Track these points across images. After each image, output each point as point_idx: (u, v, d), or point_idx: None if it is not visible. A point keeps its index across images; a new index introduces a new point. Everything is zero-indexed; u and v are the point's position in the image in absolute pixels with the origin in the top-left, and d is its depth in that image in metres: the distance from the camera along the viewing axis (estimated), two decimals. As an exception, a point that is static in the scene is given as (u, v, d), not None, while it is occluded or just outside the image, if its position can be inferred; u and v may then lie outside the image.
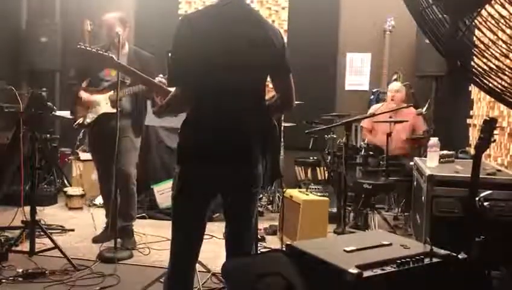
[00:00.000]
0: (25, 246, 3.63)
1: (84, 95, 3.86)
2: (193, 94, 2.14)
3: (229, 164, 2.15)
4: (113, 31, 3.76)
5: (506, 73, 1.65)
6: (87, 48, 2.99)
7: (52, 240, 3.59)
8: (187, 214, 2.23)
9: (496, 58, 1.67)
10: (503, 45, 1.67)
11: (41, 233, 3.72)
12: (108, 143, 3.52)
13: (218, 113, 2.14)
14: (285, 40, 7.41)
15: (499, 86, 1.65)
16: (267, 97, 2.33)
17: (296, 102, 2.34)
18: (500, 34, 1.69)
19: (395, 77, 5.74)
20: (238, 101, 2.14)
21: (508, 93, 1.64)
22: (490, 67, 1.68)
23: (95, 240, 4.07)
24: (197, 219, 2.25)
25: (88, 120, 3.83)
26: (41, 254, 3.59)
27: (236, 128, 2.16)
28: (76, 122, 3.88)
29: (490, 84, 1.66)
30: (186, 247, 2.27)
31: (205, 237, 2.32)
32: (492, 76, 1.65)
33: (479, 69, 1.69)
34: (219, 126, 2.14)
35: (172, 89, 2.31)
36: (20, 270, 3.24)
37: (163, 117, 3.68)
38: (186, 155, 2.18)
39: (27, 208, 3.72)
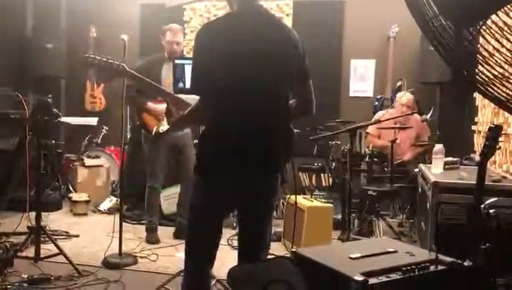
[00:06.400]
0: (30, 252, 3.65)
1: (152, 106, 3.99)
2: (216, 103, 2.09)
3: (257, 175, 2.15)
4: (176, 37, 4.09)
5: (511, 81, 1.65)
6: (96, 57, 2.88)
7: (57, 246, 3.60)
8: (208, 225, 2.22)
9: (500, 66, 1.67)
10: (508, 53, 1.67)
11: (47, 239, 3.72)
12: (178, 149, 4.22)
13: (244, 123, 2.09)
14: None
15: (504, 94, 1.64)
16: None
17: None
18: (504, 42, 1.69)
19: (399, 83, 5.74)
20: (263, 109, 2.10)
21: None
22: (494, 75, 1.68)
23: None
24: (217, 228, 2.26)
25: (163, 128, 4.00)
26: (46, 259, 3.61)
27: (263, 137, 2.12)
28: (154, 131, 4.04)
29: (494, 92, 1.66)
30: (205, 255, 2.27)
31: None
32: (496, 84, 1.65)
33: (483, 76, 1.70)
34: (246, 136, 2.09)
35: (186, 99, 2.30)
36: (25, 276, 3.26)
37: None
38: (212, 166, 2.14)
39: (32, 214, 3.73)
